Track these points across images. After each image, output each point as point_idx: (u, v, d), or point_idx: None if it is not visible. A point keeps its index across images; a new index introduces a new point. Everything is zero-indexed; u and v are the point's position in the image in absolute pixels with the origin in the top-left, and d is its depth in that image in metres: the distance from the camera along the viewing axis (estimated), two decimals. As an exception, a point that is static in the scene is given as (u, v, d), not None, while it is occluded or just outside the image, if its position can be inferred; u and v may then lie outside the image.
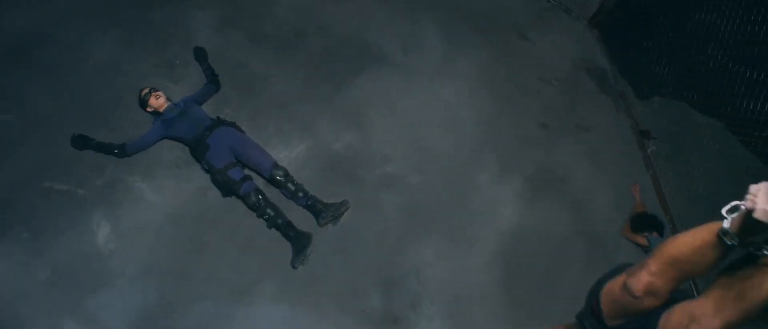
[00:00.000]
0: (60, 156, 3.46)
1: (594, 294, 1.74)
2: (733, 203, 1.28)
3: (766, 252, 1.27)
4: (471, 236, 3.81)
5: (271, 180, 3.51)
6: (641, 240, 3.99)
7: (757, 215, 1.16)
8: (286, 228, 3.37)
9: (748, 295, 1.33)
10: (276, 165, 3.50)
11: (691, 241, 1.37)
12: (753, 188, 1.21)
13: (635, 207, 4.28)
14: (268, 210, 3.36)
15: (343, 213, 3.54)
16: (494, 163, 4.24)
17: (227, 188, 3.41)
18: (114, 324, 3.01)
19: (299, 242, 3.33)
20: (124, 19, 4.20)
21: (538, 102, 4.77)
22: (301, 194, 3.50)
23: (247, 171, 3.53)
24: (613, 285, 1.62)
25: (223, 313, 3.15)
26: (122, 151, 3.47)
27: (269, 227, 3.40)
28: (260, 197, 3.37)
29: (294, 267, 3.33)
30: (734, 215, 1.27)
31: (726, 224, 1.27)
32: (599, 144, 4.65)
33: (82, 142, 3.46)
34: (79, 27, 4.07)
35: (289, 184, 3.49)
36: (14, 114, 3.58)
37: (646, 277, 1.46)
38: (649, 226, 4.04)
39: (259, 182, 3.57)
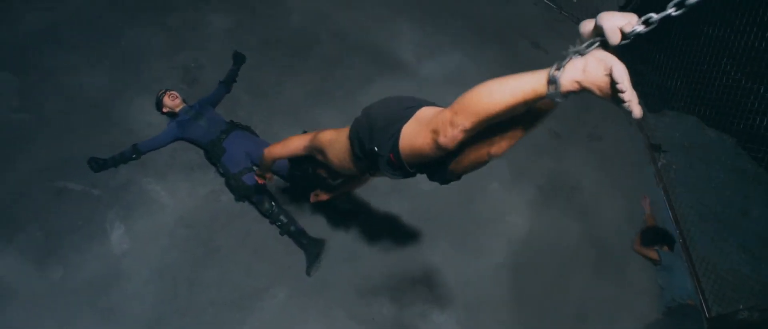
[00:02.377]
0: (74, 156, 3.47)
1: (390, 148, 1.67)
2: (562, 63, 1.25)
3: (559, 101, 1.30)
4: (481, 244, 3.82)
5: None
6: (652, 254, 3.99)
7: (636, 115, 1.19)
8: (299, 236, 3.37)
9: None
10: None
11: (511, 100, 1.33)
12: (618, 75, 1.17)
13: (646, 220, 4.28)
14: (281, 217, 3.36)
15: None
16: (505, 170, 4.24)
17: (241, 193, 3.41)
18: (125, 325, 3.02)
19: (313, 249, 3.33)
20: (142, 22, 4.23)
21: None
22: None
23: (261, 177, 3.53)
24: (418, 142, 1.57)
25: (234, 318, 3.15)
26: (136, 152, 3.47)
27: (282, 234, 3.41)
28: (273, 204, 3.38)
29: (309, 275, 3.33)
30: (560, 74, 1.25)
31: (554, 89, 1.26)
32: (611, 154, 4.66)
33: (99, 164, 3.42)
34: (96, 29, 4.10)
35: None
36: (30, 113, 3.60)
37: (460, 135, 1.44)
38: (659, 240, 4.04)
39: (273, 188, 3.58)
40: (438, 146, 1.50)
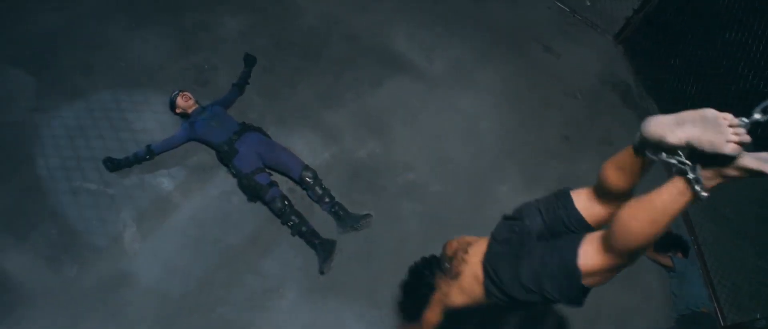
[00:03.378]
0: (89, 155, 3.52)
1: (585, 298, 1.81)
2: (701, 186, 1.33)
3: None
4: (491, 248, 3.79)
5: (301, 182, 3.55)
6: (665, 260, 3.94)
7: None
8: (311, 236, 3.38)
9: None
10: (306, 167, 3.56)
11: (667, 226, 1.42)
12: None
13: (659, 226, 4.22)
14: (293, 217, 3.38)
15: (364, 227, 3.55)
16: (515, 173, 4.22)
17: (253, 193, 3.44)
18: (136, 323, 3.04)
19: (325, 249, 3.34)
20: (156, 22, 4.28)
21: (561, 114, 4.75)
22: (327, 199, 3.53)
23: (273, 178, 3.55)
24: (607, 281, 1.73)
25: (244, 318, 3.16)
26: (150, 152, 3.51)
27: (293, 234, 3.42)
28: (286, 203, 3.40)
29: (322, 273, 3.35)
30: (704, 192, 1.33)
31: (702, 191, 1.33)
32: (622, 160, 4.61)
33: (113, 164, 3.45)
34: (110, 29, 4.16)
35: (317, 187, 3.53)
36: (45, 113, 3.65)
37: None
38: (673, 246, 3.99)
39: (284, 189, 3.59)
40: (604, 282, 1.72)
